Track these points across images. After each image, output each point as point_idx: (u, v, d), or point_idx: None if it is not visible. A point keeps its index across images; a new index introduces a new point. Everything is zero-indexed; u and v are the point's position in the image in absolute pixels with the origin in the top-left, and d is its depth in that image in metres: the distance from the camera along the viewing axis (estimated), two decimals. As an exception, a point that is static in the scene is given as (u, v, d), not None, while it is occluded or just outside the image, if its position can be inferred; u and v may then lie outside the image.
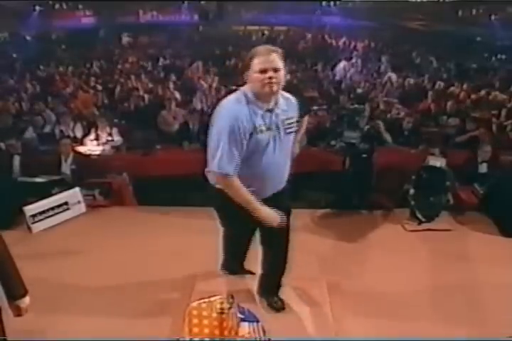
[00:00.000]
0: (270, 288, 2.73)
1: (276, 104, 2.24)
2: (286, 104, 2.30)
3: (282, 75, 2.15)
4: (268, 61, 2.10)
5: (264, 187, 2.32)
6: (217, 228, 2.69)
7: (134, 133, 6.09)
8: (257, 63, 2.11)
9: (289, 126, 2.30)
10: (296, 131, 2.43)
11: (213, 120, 2.20)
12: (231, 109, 2.17)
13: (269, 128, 2.21)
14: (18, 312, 1.80)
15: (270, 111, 2.22)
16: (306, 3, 16.35)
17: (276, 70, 2.11)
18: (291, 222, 2.46)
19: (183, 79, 9.55)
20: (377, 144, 4.87)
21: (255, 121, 2.16)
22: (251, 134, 2.15)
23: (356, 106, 5.44)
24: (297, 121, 2.36)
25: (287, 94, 2.35)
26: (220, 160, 2.13)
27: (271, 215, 2.23)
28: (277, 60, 2.13)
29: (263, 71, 2.10)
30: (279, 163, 2.32)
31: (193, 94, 7.92)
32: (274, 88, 2.12)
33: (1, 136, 5.33)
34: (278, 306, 2.71)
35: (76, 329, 2.67)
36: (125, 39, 15.12)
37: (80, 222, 4.34)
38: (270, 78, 2.10)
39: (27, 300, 1.81)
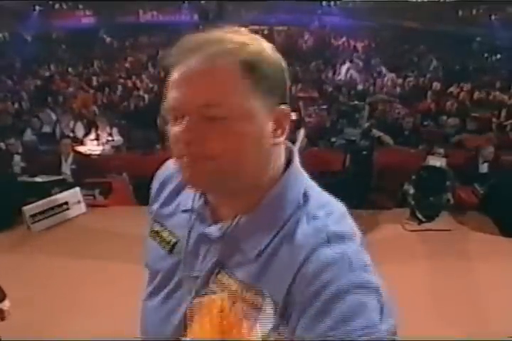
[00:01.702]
0: None
1: (233, 221, 0.71)
2: (285, 249, 0.67)
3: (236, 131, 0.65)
4: (183, 84, 0.67)
5: None
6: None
7: (134, 133, 6.08)
8: (169, 89, 0.71)
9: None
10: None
11: None
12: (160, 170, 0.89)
13: (170, 249, 0.80)
14: (1, 315, 1.82)
15: (196, 213, 0.76)
16: (306, 3, 16.37)
17: (206, 114, 0.65)
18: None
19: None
20: (377, 143, 4.87)
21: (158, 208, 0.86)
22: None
23: (356, 102, 5.42)
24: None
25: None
26: None
27: None
28: (212, 77, 0.65)
29: (173, 117, 0.73)
30: None
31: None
32: (195, 177, 0.68)
33: (1, 136, 5.33)
34: None
35: (76, 329, 2.67)
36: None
37: (80, 222, 4.34)
38: (183, 143, 0.68)
39: (7, 303, 1.83)
